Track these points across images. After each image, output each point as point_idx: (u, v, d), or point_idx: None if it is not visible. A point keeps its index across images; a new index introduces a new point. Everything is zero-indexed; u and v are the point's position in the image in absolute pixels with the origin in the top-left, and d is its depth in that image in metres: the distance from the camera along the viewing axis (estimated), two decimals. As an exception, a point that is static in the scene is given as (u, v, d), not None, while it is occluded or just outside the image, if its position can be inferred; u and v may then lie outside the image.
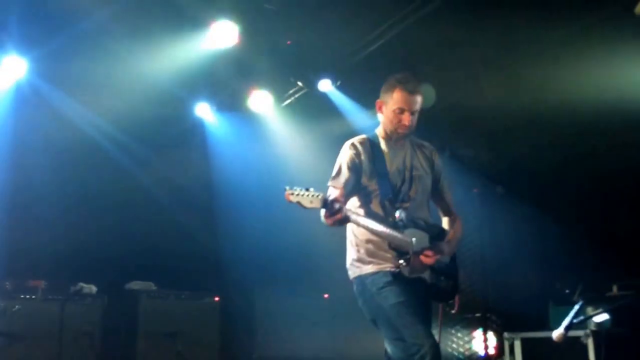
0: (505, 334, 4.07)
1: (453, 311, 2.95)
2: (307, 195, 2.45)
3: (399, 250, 2.64)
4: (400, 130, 2.81)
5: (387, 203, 2.74)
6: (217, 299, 5.04)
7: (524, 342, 3.93)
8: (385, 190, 2.75)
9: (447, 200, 2.94)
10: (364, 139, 2.88)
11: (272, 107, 5.19)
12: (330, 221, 2.52)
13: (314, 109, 4.95)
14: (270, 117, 5.28)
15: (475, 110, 4.39)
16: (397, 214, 2.68)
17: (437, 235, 2.77)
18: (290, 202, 2.44)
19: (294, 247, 4.73)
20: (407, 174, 2.81)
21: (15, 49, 4.46)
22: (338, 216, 2.50)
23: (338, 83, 4.83)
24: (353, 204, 2.80)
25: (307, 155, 4.79)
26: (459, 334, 4.88)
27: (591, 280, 3.84)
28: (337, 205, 2.48)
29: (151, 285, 5.01)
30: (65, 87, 4.78)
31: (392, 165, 2.81)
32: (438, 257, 2.67)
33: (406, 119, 2.77)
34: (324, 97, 4.89)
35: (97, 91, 4.66)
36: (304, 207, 2.44)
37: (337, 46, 4.55)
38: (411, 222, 2.69)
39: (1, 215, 4.73)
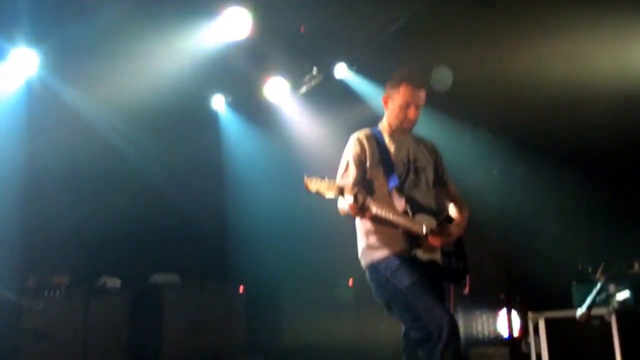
0: (529, 315, 4.39)
1: (465, 291, 3.30)
2: (325, 185, 2.77)
3: (412, 235, 2.98)
4: (405, 125, 3.15)
5: (395, 192, 3.06)
6: (241, 289, 5.45)
7: (548, 322, 4.26)
8: (393, 180, 3.06)
9: (451, 190, 3.30)
10: (369, 133, 3.20)
11: (289, 95, 5.48)
12: (357, 216, 2.87)
13: (331, 96, 5.24)
14: (287, 106, 5.58)
15: (495, 90, 4.67)
16: (405, 201, 3.02)
17: (445, 219, 3.15)
18: (309, 190, 2.76)
19: (316, 234, 5.06)
20: (412, 165, 3.14)
21: (26, 42, 4.75)
22: (367, 214, 2.86)
23: (354, 68, 5.14)
24: None
25: (326, 143, 5.10)
26: (484, 316, 5.28)
27: (613, 258, 4.11)
28: (367, 205, 2.82)
29: (175, 278, 5.40)
30: (77, 81, 5.11)
31: (397, 157, 3.14)
32: (447, 238, 3.04)
33: (412, 113, 3.11)
34: (340, 83, 5.19)
35: (110, 85, 4.96)
36: (323, 196, 2.77)
37: (352, 31, 4.82)
38: (419, 209, 3.05)
39: (20, 211, 5.12)
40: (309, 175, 2.76)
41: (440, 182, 3.28)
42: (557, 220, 4.84)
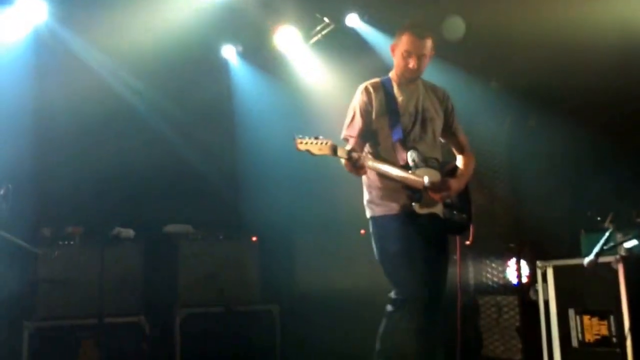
0: (538, 263, 4.46)
1: (468, 242, 3.40)
2: (316, 143, 2.84)
3: (412, 190, 3.07)
4: (407, 75, 3.18)
5: (398, 145, 3.12)
6: (254, 238, 5.56)
7: (556, 269, 4.34)
8: (397, 132, 3.11)
9: (460, 140, 3.36)
10: (377, 82, 3.25)
11: (300, 44, 5.47)
12: (352, 173, 2.96)
13: (342, 46, 5.25)
14: (298, 56, 5.58)
15: (508, 40, 4.66)
16: (408, 155, 3.08)
17: (449, 172, 3.21)
18: (300, 150, 2.84)
19: (329, 184, 5.12)
20: (419, 116, 3.18)
21: None
22: (362, 171, 2.94)
23: (366, 18, 5.12)
24: (366, 149, 3.21)
25: (337, 93, 5.10)
26: (494, 264, 5.42)
27: (622, 207, 4.15)
28: (360, 163, 2.89)
29: (189, 228, 5.52)
30: (85, 31, 5.12)
31: (404, 108, 3.17)
32: (447, 192, 3.10)
33: (413, 62, 3.12)
34: (352, 32, 5.19)
35: (119, 34, 4.96)
36: (313, 154, 2.84)
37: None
38: (423, 162, 3.11)
39: (32, 162, 5.21)
40: (300, 137, 2.83)
41: (450, 131, 3.32)
42: (567, 170, 4.90)
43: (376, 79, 3.26)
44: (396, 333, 3.02)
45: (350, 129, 3.19)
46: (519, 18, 4.49)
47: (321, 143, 2.84)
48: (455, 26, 4.97)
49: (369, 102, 3.16)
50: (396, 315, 3.03)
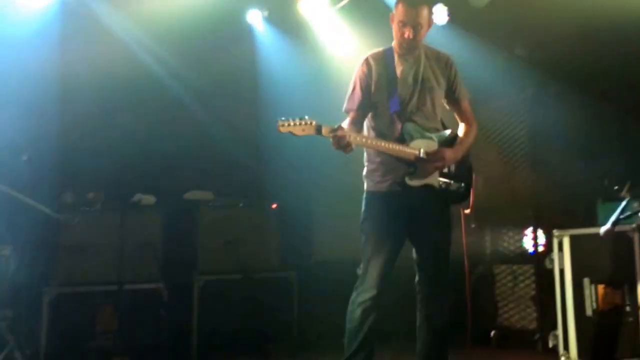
0: (555, 232, 4.55)
1: (467, 211, 3.45)
2: (300, 124, 2.88)
3: (406, 162, 3.10)
4: (404, 44, 3.18)
5: (395, 116, 3.14)
6: (274, 206, 5.59)
7: (573, 238, 4.41)
8: (394, 104, 3.13)
9: (462, 107, 3.35)
10: (379, 53, 3.27)
11: (325, 10, 5.48)
12: (340, 150, 2.97)
13: (368, 11, 5.21)
14: (323, 21, 5.56)
15: (531, 7, 4.64)
16: (403, 127, 3.11)
17: (447, 142, 3.21)
18: (282, 132, 2.90)
19: (349, 155, 5.17)
20: (418, 87, 3.19)
21: None
22: (347, 150, 2.97)
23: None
24: (368, 121, 3.25)
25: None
26: (510, 233, 5.49)
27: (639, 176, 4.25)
28: (343, 142, 2.92)
29: (209, 195, 5.54)
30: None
31: (403, 78, 3.19)
32: (442, 162, 3.12)
33: (407, 32, 3.13)
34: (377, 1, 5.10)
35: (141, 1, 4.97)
36: (296, 135, 2.89)
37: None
38: (418, 133, 3.14)
39: (56, 130, 5.28)
40: (282, 119, 2.89)
41: (452, 98, 3.32)
42: (585, 139, 4.93)
43: (379, 49, 3.28)
44: (353, 308, 3.15)
45: (350, 102, 3.24)
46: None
47: (305, 124, 2.88)
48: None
49: (368, 74, 3.20)
50: (356, 291, 3.17)
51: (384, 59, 3.23)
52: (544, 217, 5.15)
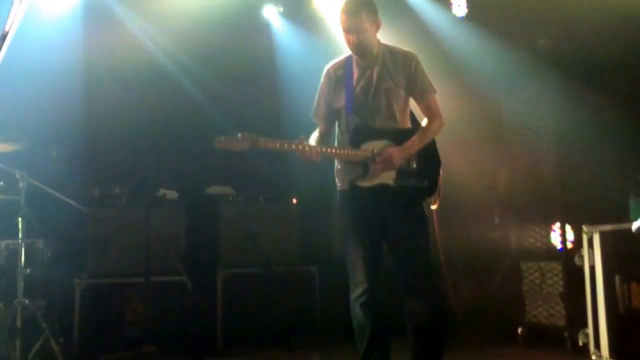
0: (584, 227, 4.39)
1: (433, 207, 3.35)
2: (236, 140, 3.03)
3: (357, 164, 3.17)
4: (353, 51, 3.23)
5: (349, 120, 3.20)
6: (294, 200, 5.65)
7: (603, 235, 4.25)
8: (348, 108, 3.20)
9: (425, 104, 3.31)
10: (340, 61, 3.35)
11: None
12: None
13: (383, 7, 5.14)
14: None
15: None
16: (352, 129, 3.17)
17: (404, 141, 3.20)
18: (219, 149, 3.04)
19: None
20: (372, 89, 3.21)
21: None
22: (314, 160, 3.06)
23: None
24: (337, 127, 3.34)
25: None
26: (537, 229, 5.33)
27: None
28: (305, 156, 3.05)
29: (229, 190, 5.64)
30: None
31: (357, 82, 3.24)
32: (389, 162, 3.12)
33: (351, 39, 3.17)
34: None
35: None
36: (232, 151, 3.03)
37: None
38: (370, 134, 3.17)
39: (82, 126, 5.43)
40: (219, 137, 3.04)
41: (415, 95, 3.29)
42: (617, 131, 4.71)
43: (341, 57, 3.34)
44: (352, 307, 3.22)
45: (315, 113, 3.38)
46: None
47: (242, 139, 3.03)
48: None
49: (328, 83, 3.30)
50: (351, 290, 3.24)
51: (343, 67, 3.30)
52: (573, 212, 4.97)
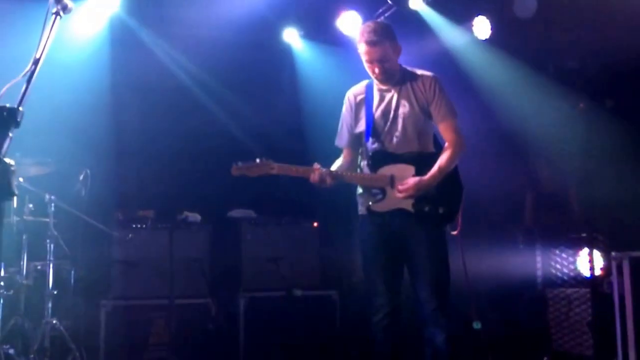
0: (613, 254, 4.30)
1: (454, 233, 3.29)
2: (253, 167, 3.15)
3: (375, 189, 3.21)
4: (376, 79, 3.26)
5: (368, 146, 3.23)
6: (315, 224, 5.65)
7: (633, 261, 4.16)
8: (367, 133, 3.23)
9: (444, 127, 3.29)
10: (360, 87, 3.38)
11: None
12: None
13: (405, 28, 5.19)
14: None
15: (582, 19, 4.44)
16: (371, 154, 3.21)
17: (424, 165, 3.19)
18: (236, 175, 3.17)
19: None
20: (390, 114, 3.23)
21: None
22: (326, 186, 3.12)
23: (429, 0, 5.05)
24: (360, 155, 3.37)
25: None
26: (563, 254, 5.22)
27: None
28: (322, 185, 3.11)
29: (251, 213, 5.66)
30: (152, 23, 5.37)
31: (377, 108, 3.26)
32: (407, 192, 3.12)
33: (375, 68, 3.19)
34: (414, 15, 5.13)
35: (183, 23, 5.16)
36: (249, 176, 3.17)
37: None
38: (389, 159, 3.19)
39: (108, 151, 5.53)
40: (237, 163, 3.17)
41: (436, 119, 3.28)
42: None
43: (362, 82, 3.37)
44: (374, 331, 3.23)
45: (338, 139, 3.42)
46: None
47: (259, 166, 3.14)
48: (527, 4, 4.79)
49: (348, 110, 3.35)
50: (372, 314, 3.25)
51: (363, 92, 3.33)
52: (601, 237, 4.87)
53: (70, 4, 2.02)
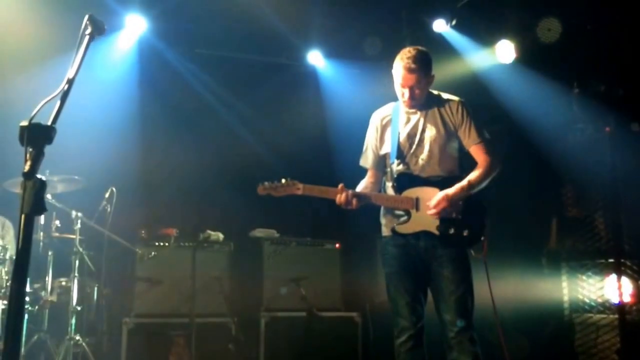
0: (642, 280, 4.22)
1: (478, 256, 3.24)
2: (279, 187, 3.18)
3: (400, 211, 3.20)
4: (404, 103, 3.26)
5: (393, 168, 3.23)
6: (337, 245, 5.64)
7: (662, 288, 4.08)
8: (392, 156, 3.23)
9: (472, 151, 3.28)
10: (387, 108, 3.40)
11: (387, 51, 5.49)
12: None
13: (429, 51, 5.21)
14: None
15: (607, 40, 4.41)
16: (395, 177, 3.20)
17: (449, 188, 3.16)
18: (262, 195, 3.21)
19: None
20: (417, 137, 3.24)
21: (138, 9, 5.27)
22: (351, 208, 3.12)
23: (453, 22, 5.06)
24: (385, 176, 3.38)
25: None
26: (590, 280, 5.09)
27: None
28: (348, 206, 3.12)
29: (274, 233, 5.68)
30: (178, 43, 5.49)
31: (403, 130, 3.27)
32: (440, 205, 3.10)
33: (405, 94, 3.20)
34: (439, 37, 5.16)
35: (206, 44, 5.24)
36: (275, 196, 3.20)
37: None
38: (415, 182, 3.19)
39: (134, 169, 5.60)
40: (263, 183, 3.21)
41: (464, 143, 3.27)
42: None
43: (389, 105, 3.39)
44: (397, 354, 3.21)
45: (363, 159, 3.44)
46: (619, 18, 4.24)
47: (284, 185, 3.18)
48: (552, 27, 4.78)
49: (373, 132, 3.37)
50: (395, 336, 3.23)
51: (391, 114, 3.34)
52: (629, 263, 4.75)
53: (103, 27, 2.07)
